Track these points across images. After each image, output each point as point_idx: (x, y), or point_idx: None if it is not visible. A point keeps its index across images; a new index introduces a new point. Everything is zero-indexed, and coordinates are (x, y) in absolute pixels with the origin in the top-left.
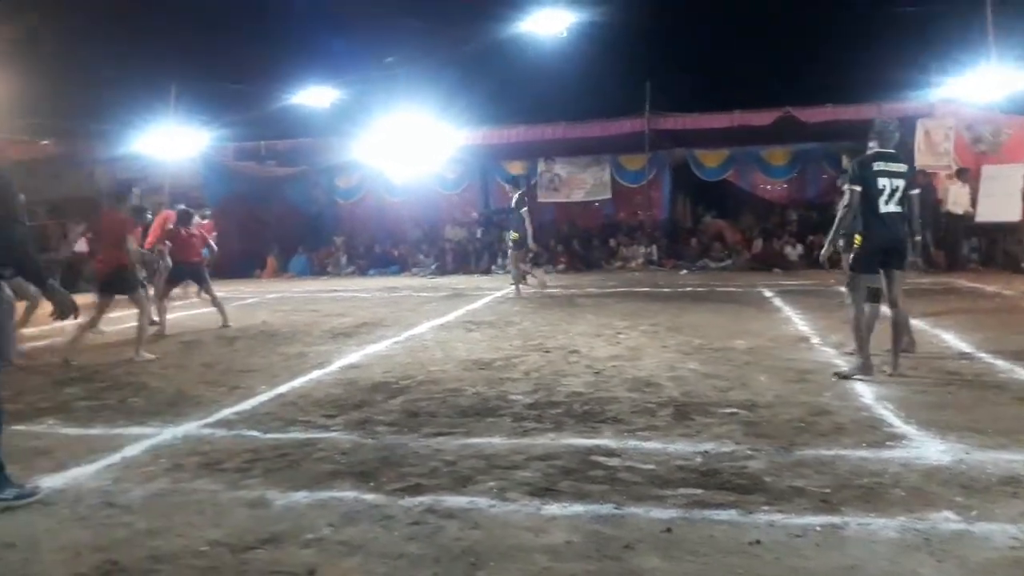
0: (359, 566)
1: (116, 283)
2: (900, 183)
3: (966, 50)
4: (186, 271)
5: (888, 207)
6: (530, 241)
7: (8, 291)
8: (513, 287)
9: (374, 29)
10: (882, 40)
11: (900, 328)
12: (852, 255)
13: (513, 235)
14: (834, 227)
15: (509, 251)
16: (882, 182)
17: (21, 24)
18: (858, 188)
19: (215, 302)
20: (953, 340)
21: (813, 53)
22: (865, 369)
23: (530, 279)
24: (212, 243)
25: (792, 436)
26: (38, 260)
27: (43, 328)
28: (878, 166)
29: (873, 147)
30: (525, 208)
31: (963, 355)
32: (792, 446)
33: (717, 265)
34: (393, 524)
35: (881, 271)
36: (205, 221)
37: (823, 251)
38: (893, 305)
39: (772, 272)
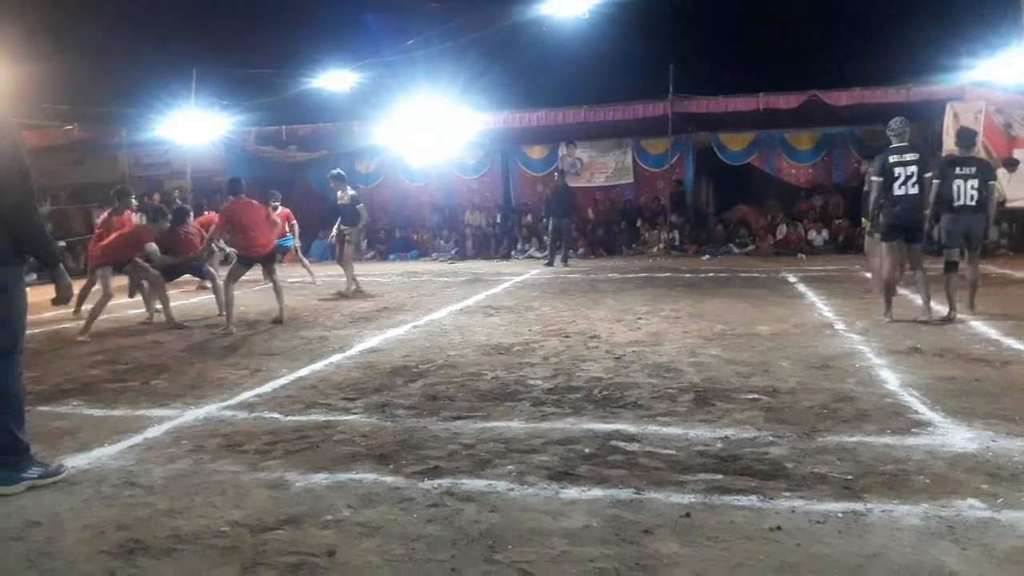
0: (377, 547)
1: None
2: (913, 169)
3: (997, 32)
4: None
5: (902, 191)
6: (363, 242)
7: (25, 279)
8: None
9: (394, 12)
10: (911, 22)
11: (923, 285)
12: (878, 226)
13: (349, 229)
14: (870, 207)
15: (346, 246)
16: (897, 171)
17: (45, 10)
18: (879, 179)
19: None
20: (981, 326)
21: (841, 35)
22: (885, 314)
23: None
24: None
25: (814, 422)
26: (51, 244)
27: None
28: (893, 159)
29: (893, 142)
30: (362, 204)
31: (991, 342)
32: (814, 432)
33: (740, 251)
34: (412, 506)
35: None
36: (279, 211)
37: (868, 223)
38: (913, 268)
39: (796, 257)
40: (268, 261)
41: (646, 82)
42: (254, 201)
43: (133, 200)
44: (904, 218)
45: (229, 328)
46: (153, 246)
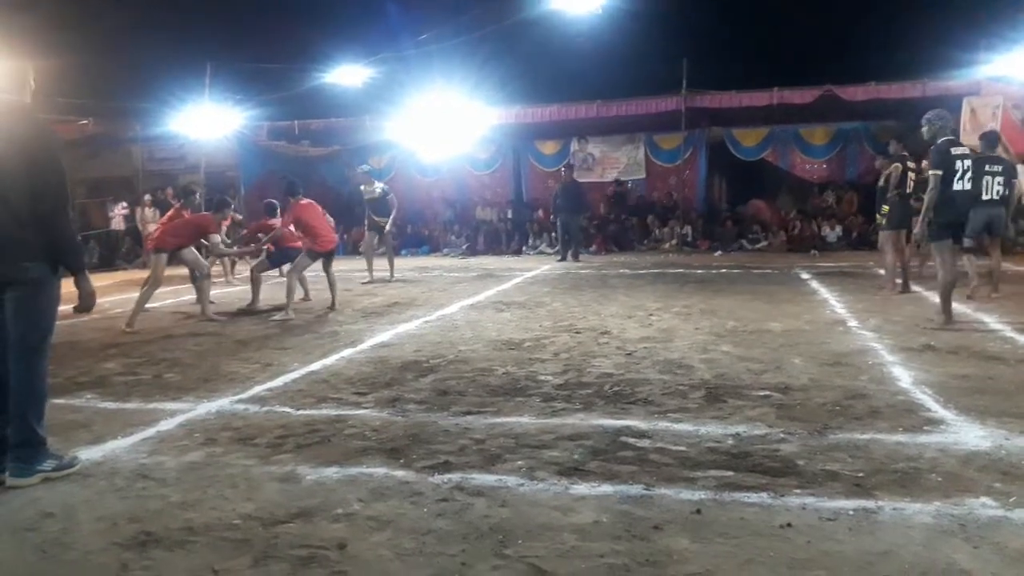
0: (388, 541)
1: None
2: (969, 163)
3: (1015, 27)
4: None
5: (959, 186)
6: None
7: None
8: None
9: (407, 7)
10: (928, 16)
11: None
12: (928, 226)
13: (384, 220)
14: (923, 208)
15: (387, 236)
16: (958, 164)
17: (59, 4)
18: (940, 172)
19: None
20: (996, 324)
21: (856, 29)
22: (947, 321)
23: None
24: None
25: (826, 419)
26: (80, 250)
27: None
28: (955, 151)
29: (928, 134)
30: (392, 195)
31: (1006, 339)
32: (826, 430)
33: (753, 247)
34: (422, 500)
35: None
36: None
37: (916, 231)
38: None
39: (810, 254)
40: (331, 256)
41: (659, 77)
42: (313, 201)
43: (196, 198)
44: (961, 214)
45: (288, 313)
46: (217, 237)
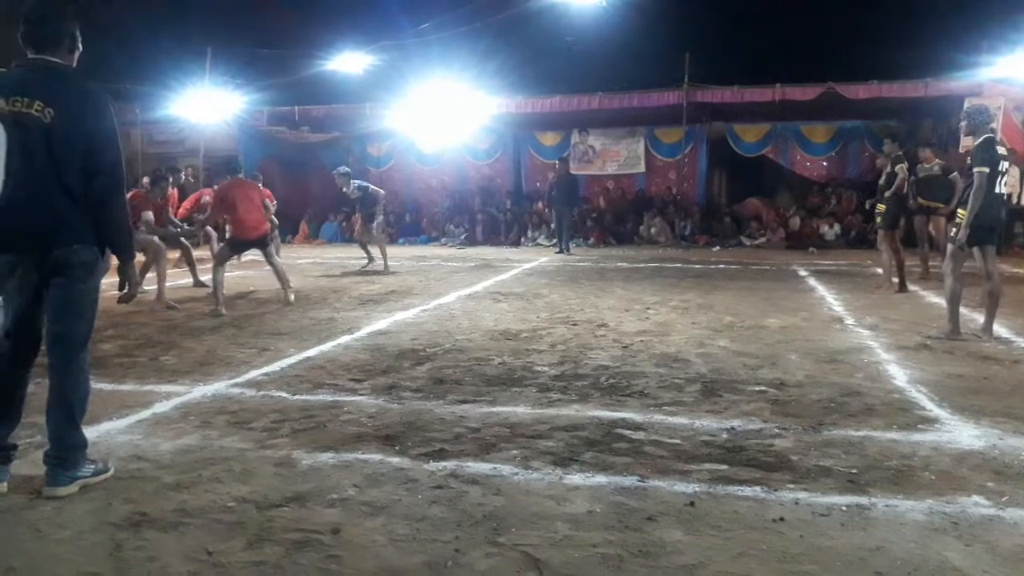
0: (382, 527)
1: None
2: (1007, 165)
3: (1017, 29)
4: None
5: (999, 188)
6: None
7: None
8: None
9: None
10: (931, 17)
11: (996, 297)
12: (962, 230)
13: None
14: (970, 210)
15: (368, 228)
16: (1002, 165)
17: None
18: (987, 169)
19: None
20: (992, 325)
21: (859, 28)
22: (953, 334)
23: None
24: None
25: (821, 416)
26: (130, 236)
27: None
28: (1001, 150)
29: (968, 130)
30: (371, 188)
31: (1001, 340)
32: (820, 426)
33: (751, 243)
34: (417, 487)
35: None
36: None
37: (960, 235)
38: (990, 277)
39: (808, 251)
40: (261, 245)
41: (661, 70)
42: (249, 181)
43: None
44: (998, 218)
45: (219, 309)
46: (150, 215)
